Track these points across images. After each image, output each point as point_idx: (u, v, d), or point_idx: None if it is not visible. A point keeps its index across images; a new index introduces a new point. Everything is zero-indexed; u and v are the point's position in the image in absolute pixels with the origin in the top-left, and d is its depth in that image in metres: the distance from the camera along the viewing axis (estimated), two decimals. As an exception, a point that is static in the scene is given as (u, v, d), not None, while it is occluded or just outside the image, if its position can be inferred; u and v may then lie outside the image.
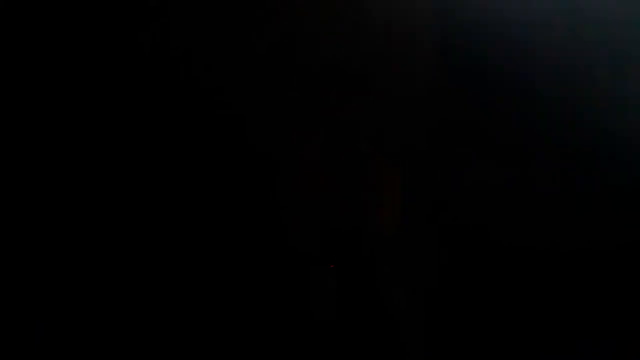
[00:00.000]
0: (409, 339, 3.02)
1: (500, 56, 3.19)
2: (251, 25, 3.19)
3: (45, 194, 3.08)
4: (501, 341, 3.12)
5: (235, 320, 3.09)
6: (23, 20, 3.09)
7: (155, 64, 3.17)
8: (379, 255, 3.01)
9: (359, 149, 3.02)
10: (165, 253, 3.12)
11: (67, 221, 3.09)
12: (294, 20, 3.17)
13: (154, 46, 3.17)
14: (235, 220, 3.15)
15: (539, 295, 3.17)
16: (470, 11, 3.17)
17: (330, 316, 3.02)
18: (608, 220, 3.19)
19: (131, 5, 3.16)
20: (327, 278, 3.02)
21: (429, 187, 3.17)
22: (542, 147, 3.22)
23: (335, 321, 3.02)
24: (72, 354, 3.01)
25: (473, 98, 3.22)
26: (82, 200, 3.10)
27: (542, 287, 3.17)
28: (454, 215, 3.19)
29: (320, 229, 3.02)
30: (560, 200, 3.20)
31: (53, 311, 3.03)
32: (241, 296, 3.10)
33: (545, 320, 3.14)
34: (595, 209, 3.19)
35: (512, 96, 3.22)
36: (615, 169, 3.19)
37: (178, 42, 3.18)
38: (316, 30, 3.15)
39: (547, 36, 3.18)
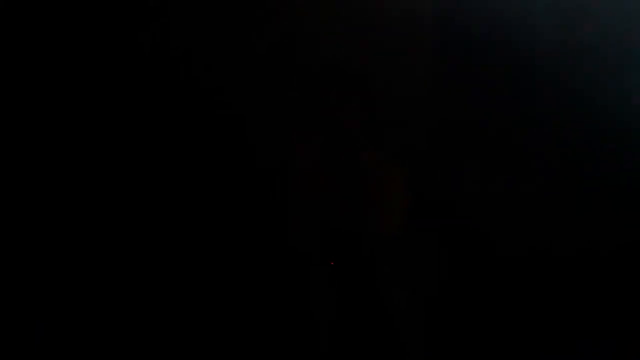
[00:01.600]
0: (409, 339, 3.02)
1: (499, 56, 3.19)
2: (251, 25, 3.19)
3: (46, 194, 3.08)
4: (501, 341, 3.12)
5: (234, 320, 3.09)
6: (23, 20, 3.09)
7: (155, 64, 3.17)
8: (379, 256, 3.00)
9: (359, 149, 3.02)
10: (165, 253, 3.12)
11: (67, 221, 3.09)
12: (294, 20, 3.17)
13: (154, 46, 3.17)
14: (234, 220, 3.15)
15: (539, 296, 3.17)
16: (470, 11, 3.17)
17: (330, 316, 3.02)
18: (607, 221, 3.19)
19: (131, 5, 3.16)
20: (327, 278, 3.02)
21: (429, 188, 3.17)
22: (541, 147, 3.22)
23: (335, 321, 3.02)
24: (72, 354, 3.01)
25: (473, 98, 3.22)
26: (82, 201, 3.10)
27: (541, 288, 3.17)
28: (454, 216, 3.19)
29: (321, 229, 3.02)
30: (560, 200, 3.20)
31: (53, 311, 3.03)
32: (241, 296, 3.10)
33: (545, 321, 3.14)
34: (594, 210, 3.19)
35: (512, 96, 3.22)
36: (615, 170, 3.19)
37: (178, 42, 3.18)
38: (316, 30, 3.15)
39: (546, 36, 3.17)
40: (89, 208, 3.11)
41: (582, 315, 3.12)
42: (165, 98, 3.18)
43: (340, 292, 3.03)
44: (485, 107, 3.21)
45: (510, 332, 3.13)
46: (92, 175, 3.12)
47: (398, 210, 3.03)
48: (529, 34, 3.17)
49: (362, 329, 3.04)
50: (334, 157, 3.03)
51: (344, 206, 3.00)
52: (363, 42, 3.14)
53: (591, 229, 3.18)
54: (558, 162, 3.21)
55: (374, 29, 3.16)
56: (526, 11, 3.16)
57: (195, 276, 3.12)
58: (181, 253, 3.13)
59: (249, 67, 3.18)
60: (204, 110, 3.18)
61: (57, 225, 3.08)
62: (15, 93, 3.09)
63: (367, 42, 3.15)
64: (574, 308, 3.13)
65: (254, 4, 3.19)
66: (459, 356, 3.09)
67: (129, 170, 3.14)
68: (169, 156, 3.19)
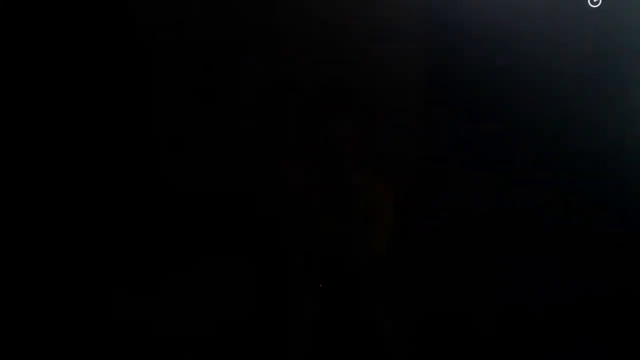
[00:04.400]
0: (398, 355, 3.01)
1: (491, 69, 3.17)
2: (252, 25, 3.20)
3: (46, 194, 3.08)
4: (501, 341, 3.13)
5: (231, 321, 3.10)
6: (23, 20, 3.09)
7: (154, 63, 3.18)
8: (368, 274, 2.98)
9: (349, 166, 2.96)
10: (163, 254, 3.13)
11: (67, 222, 3.09)
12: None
13: (153, 46, 3.17)
14: (228, 224, 3.16)
15: (537, 297, 3.18)
16: (464, 24, 3.15)
17: (320, 334, 2.99)
18: (603, 221, 3.20)
19: (131, 5, 3.16)
20: (318, 295, 2.98)
21: (419, 204, 3.17)
22: (534, 164, 3.21)
23: (325, 338, 2.99)
24: (72, 354, 3.01)
25: (464, 113, 3.21)
26: (82, 201, 3.10)
27: (539, 290, 3.18)
28: (445, 233, 3.19)
29: (312, 243, 2.98)
30: (553, 212, 3.20)
31: (53, 311, 3.04)
32: (238, 297, 3.11)
33: (545, 321, 3.15)
34: (590, 215, 3.20)
35: (504, 111, 3.20)
36: (609, 180, 3.19)
37: (178, 42, 3.18)
38: (313, 46, 3.15)
39: (538, 47, 3.17)
40: (89, 208, 3.11)
41: (582, 315, 3.13)
42: (164, 98, 3.19)
43: (329, 308, 3.00)
44: (476, 121, 3.20)
45: (510, 332, 3.14)
46: (91, 175, 3.12)
47: (389, 228, 2.99)
48: (521, 46, 3.16)
49: (350, 345, 3.01)
50: (322, 173, 2.98)
51: (336, 223, 2.96)
52: (356, 57, 3.14)
53: (589, 230, 3.20)
54: (550, 179, 3.21)
55: (367, 44, 3.16)
56: (519, 22, 3.16)
57: (193, 279, 3.12)
58: (179, 255, 3.14)
59: (249, 68, 3.19)
60: (203, 110, 3.19)
61: (56, 226, 3.09)
62: (15, 93, 3.09)
63: (360, 57, 3.15)
64: (574, 308, 3.14)
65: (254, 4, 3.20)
66: (459, 357, 3.11)
67: (128, 170, 3.15)
68: (168, 156, 3.20)
